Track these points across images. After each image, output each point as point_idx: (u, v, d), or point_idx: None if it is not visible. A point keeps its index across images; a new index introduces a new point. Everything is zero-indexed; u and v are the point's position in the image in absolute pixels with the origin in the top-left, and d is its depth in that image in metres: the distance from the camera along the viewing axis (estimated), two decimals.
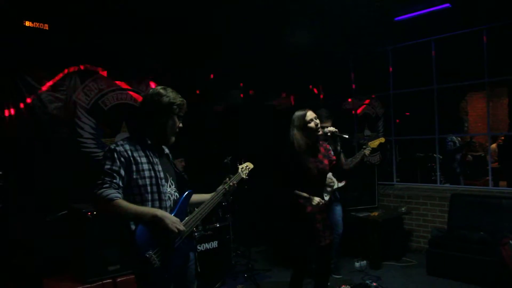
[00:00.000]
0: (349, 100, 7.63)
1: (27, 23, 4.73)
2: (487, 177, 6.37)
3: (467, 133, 8.20)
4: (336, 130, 3.56)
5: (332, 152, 3.73)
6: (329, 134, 3.57)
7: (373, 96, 7.42)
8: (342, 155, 3.66)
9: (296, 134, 3.59)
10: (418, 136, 7.17)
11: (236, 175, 2.98)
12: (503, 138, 8.47)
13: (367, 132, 7.73)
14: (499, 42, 5.74)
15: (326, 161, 3.66)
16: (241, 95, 7.27)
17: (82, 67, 5.28)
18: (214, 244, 5.05)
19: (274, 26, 5.80)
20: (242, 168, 3.08)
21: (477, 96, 10.64)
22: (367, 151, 4.16)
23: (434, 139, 6.52)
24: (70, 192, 4.79)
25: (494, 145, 8.16)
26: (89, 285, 4.05)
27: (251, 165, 3.16)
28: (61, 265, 4.43)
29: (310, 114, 3.58)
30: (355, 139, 7.49)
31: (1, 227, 4.40)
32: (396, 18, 5.90)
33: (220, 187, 2.81)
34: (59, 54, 5.00)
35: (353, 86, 7.47)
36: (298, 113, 3.62)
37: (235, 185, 2.87)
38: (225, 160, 5.52)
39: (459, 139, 7.22)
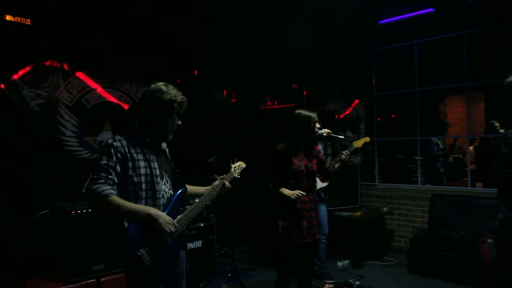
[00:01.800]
0: (331, 104, 7.71)
1: (8, 17, 4.63)
2: (465, 178, 6.51)
3: (449, 135, 8.34)
4: (331, 131, 3.61)
5: (322, 155, 3.78)
6: (325, 135, 3.60)
7: (356, 101, 7.52)
8: (330, 157, 3.71)
9: (296, 132, 3.65)
10: (400, 138, 7.30)
11: (229, 174, 2.97)
12: (479, 141, 8.67)
13: (349, 134, 7.81)
14: (478, 47, 5.89)
15: (315, 161, 3.73)
16: (225, 94, 7.29)
17: (65, 65, 5.20)
18: (198, 243, 5.04)
19: (260, 27, 5.82)
20: (235, 167, 3.07)
21: (455, 99, 10.88)
22: (343, 156, 4.18)
23: (415, 140, 6.64)
24: (53, 190, 4.71)
25: (471, 148, 8.36)
26: (73, 285, 3.97)
27: (243, 164, 3.16)
28: (44, 264, 4.34)
29: (315, 117, 3.66)
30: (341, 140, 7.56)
31: None
32: (380, 22, 5.99)
33: (217, 182, 2.82)
34: (41, 50, 4.91)
35: (337, 87, 7.54)
36: (306, 113, 3.66)
37: (229, 185, 2.87)
38: (210, 160, 5.49)
39: (440, 140, 7.37)
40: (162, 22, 5.46)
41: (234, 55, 6.64)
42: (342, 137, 3.70)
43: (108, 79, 5.63)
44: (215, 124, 6.97)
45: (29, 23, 4.74)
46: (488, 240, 4.67)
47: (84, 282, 4.05)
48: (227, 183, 2.85)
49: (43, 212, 4.43)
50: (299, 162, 3.64)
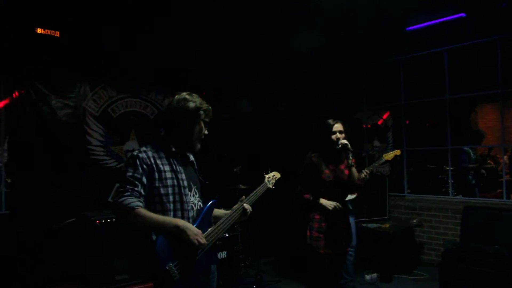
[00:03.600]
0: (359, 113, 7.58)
1: (39, 30, 4.75)
2: (500, 190, 6.25)
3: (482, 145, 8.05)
4: (348, 143, 3.54)
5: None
6: (339, 146, 3.54)
7: (387, 113, 7.35)
8: (353, 168, 3.62)
9: (320, 141, 3.72)
10: (430, 147, 7.07)
11: (262, 185, 2.88)
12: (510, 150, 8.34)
13: (376, 143, 7.65)
14: None
15: (346, 172, 3.67)
16: (251, 104, 7.24)
17: (92, 76, 5.28)
18: (223, 254, 5.00)
19: (285, 35, 5.78)
20: (269, 177, 2.98)
21: (487, 107, 10.54)
22: (362, 175, 4.08)
23: (445, 150, 6.43)
24: (79, 199, 4.76)
25: (505, 157, 8.04)
26: None
27: (278, 175, 3.05)
28: (68, 273, 4.37)
29: (337, 127, 3.65)
30: (365, 150, 7.42)
31: (8, 234, 4.36)
32: (408, 28, 5.85)
33: (237, 205, 2.64)
34: (69, 61, 5.02)
35: (364, 95, 7.41)
36: (328, 123, 3.69)
37: (250, 208, 2.66)
38: (235, 170, 5.45)
39: (472, 151, 7.11)
40: (187, 36, 5.49)
41: (260, 64, 6.61)
42: (352, 150, 3.61)
43: (134, 89, 5.68)
44: (242, 133, 6.93)
45: (58, 35, 4.85)
46: None
47: None
48: (247, 207, 2.64)
49: (69, 221, 4.47)
50: (329, 172, 3.62)
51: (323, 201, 3.57)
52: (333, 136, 3.61)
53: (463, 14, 5.21)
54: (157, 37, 5.41)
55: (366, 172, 4.19)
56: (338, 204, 3.55)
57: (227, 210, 2.67)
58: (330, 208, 3.52)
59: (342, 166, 3.68)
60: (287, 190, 4.20)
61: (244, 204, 2.64)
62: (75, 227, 4.46)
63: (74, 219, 4.50)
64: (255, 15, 5.09)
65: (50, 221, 4.53)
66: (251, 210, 2.66)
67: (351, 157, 3.58)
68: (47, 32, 4.81)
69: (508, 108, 10.23)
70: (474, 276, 4.81)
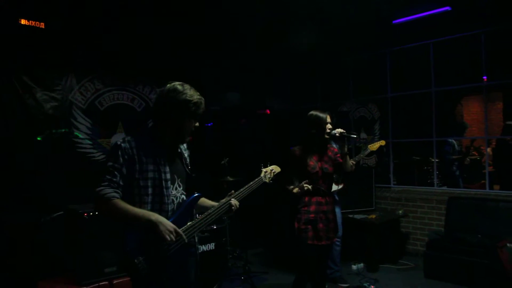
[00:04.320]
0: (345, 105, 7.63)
1: (23, 22, 4.68)
2: (483, 181, 6.37)
3: (466, 137, 8.18)
4: (344, 131, 3.57)
5: (339, 155, 3.75)
6: (337, 135, 3.56)
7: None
8: (347, 156, 3.67)
9: (308, 133, 3.67)
10: (416, 139, 7.16)
11: (257, 179, 2.80)
12: (495, 142, 8.48)
13: (363, 135, 7.72)
14: (496, 46, 5.75)
15: (331, 163, 3.70)
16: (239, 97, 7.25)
17: (79, 68, 5.23)
18: (211, 246, 5.01)
19: (273, 27, 5.77)
20: (266, 171, 2.88)
21: (472, 100, 10.70)
22: (359, 157, 4.17)
23: (431, 142, 6.52)
24: (66, 192, 4.73)
25: (489, 149, 8.18)
26: None
27: (277, 169, 2.96)
28: (57, 267, 4.35)
29: (328, 118, 3.65)
30: (351, 142, 7.48)
31: None
32: (394, 21, 5.89)
33: (224, 200, 2.58)
34: (55, 53, 4.95)
35: (351, 88, 7.45)
36: (318, 114, 3.65)
37: (237, 204, 2.58)
38: (222, 162, 5.47)
39: (456, 142, 7.22)
40: (176, 26, 5.46)
41: (248, 56, 6.61)
42: (355, 136, 3.64)
43: (121, 82, 5.64)
44: (230, 126, 6.94)
45: (43, 27, 4.78)
46: (508, 244, 4.54)
47: (97, 285, 4.05)
48: (234, 203, 2.56)
49: (57, 214, 4.45)
50: (314, 164, 3.62)
51: (294, 189, 3.59)
52: (327, 126, 3.62)
53: (448, 8, 5.26)
54: (146, 29, 5.36)
55: (352, 163, 4.26)
56: (306, 185, 3.51)
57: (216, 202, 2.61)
58: (294, 192, 3.54)
59: (326, 158, 3.69)
60: (276, 183, 4.23)
61: (232, 200, 2.57)
62: (63, 220, 4.43)
63: (62, 212, 4.47)
64: (248, 7, 5.08)
65: (38, 214, 4.50)
66: (237, 206, 2.58)
67: (346, 146, 3.64)
68: (31, 23, 4.72)
69: (492, 100, 10.41)
70: (458, 265, 4.94)
